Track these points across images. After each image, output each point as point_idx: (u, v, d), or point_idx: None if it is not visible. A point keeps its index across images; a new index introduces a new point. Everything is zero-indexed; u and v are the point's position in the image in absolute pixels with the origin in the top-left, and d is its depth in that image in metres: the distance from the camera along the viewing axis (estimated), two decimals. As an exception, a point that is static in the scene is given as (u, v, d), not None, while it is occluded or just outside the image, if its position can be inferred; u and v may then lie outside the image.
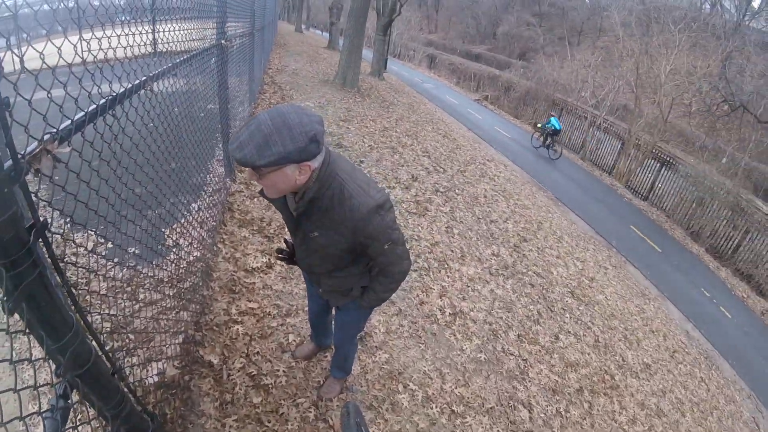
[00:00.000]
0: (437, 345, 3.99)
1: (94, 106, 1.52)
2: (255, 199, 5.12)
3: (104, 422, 1.43)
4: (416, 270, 4.97)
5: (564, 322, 5.79)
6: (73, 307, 1.15)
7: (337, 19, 23.71)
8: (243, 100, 6.49)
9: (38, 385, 1.04)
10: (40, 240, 1.02)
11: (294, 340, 3.25)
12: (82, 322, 1.18)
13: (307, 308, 3.13)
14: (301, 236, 1.84)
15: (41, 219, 1.00)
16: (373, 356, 3.48)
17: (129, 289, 2.36)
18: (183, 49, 2.65)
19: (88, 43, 1.40)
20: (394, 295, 3.13)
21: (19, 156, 1.00)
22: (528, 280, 6.29)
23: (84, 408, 1.37)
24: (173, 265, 2.47)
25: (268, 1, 11.21)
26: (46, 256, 1.07)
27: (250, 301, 3.49)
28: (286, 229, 2.12)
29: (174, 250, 2.60)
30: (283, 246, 2.19)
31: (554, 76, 29.12)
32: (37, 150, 1.09)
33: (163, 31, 2.33)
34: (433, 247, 5.68)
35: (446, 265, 5.41)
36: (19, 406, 0.97)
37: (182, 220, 2.78)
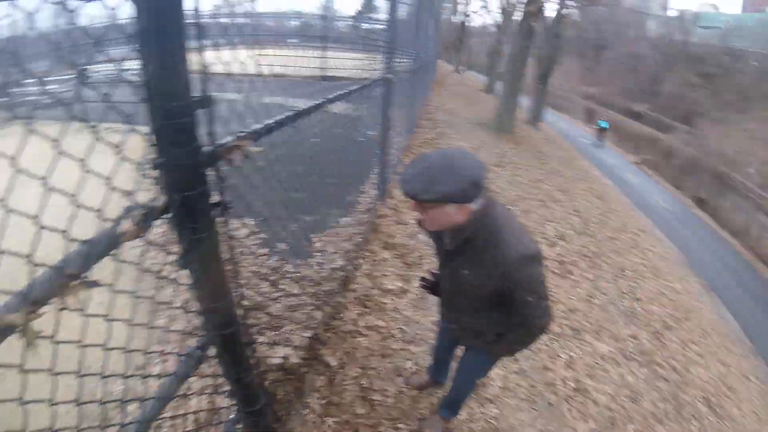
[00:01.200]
0: (550, 416, 3.67)
1: (283, 116, 1.83)
2: (400, 225, 5.36)
3: (227, 383, 1.63)
4: (548, 333, 4.67)
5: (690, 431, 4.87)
6: (231, 278, 1.37)
7: (495, 64, 23.88)
8: (401, 131, 6.80)
9: (186, 331, 1.26)
10: (220, 217, 1.25)
11: (411, 368, 3.29)
12: (235, 292, 1.39)
13: (431, 341, 3.15)
14: (449, 271, 1.92)
15: (226, 200, 1.24)
16: (482, 407, 3.34)
17: (273, 278, 2.67)
18: (352, 76, 2.90)
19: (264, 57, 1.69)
20: (519, 353, 3.01)
21: (218, 145, 1.26)
22: (663, 374, 5.44)
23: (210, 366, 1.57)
24: (316, 267, 2.71)
25: (430, 42, 11.74)
26: (221, 231, 1.29)
27: (378, 319, 3.64)
28: (436, 261, 2.21)
29: (319, 254, 2.86)
30: (427, 276, 2.28)
31: (719, 146, 25.57)
32: (232, 144, 1.35)
33: (336, 58, 2.64)
34: (570, 313, 5.27)
35: (580, 336, 4.98)
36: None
37: (331, 230, 3.04)
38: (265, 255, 1.99)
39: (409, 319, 3.81)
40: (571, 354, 4.57)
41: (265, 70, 1.65)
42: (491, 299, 1.85)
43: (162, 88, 1.03)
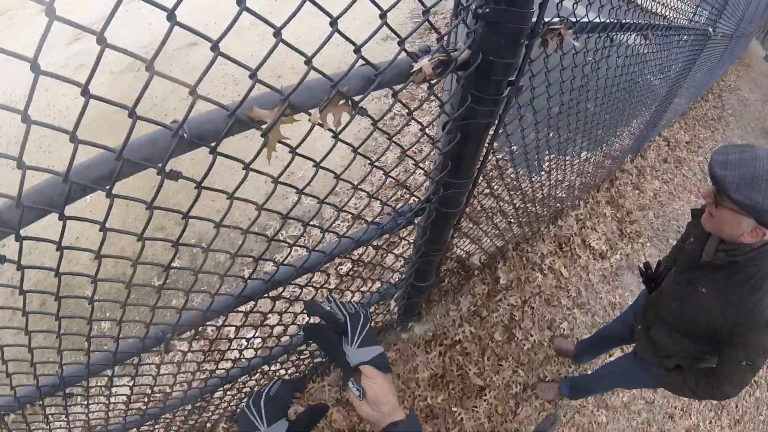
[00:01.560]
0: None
1: (608, 20, 1.54)
2: (637, 191, 4.70)
3: (417, 252, 1.65)
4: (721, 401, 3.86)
5: None
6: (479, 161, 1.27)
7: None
8: (684, 93, 5.66)
9: (409, 190, 1.23)
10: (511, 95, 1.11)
11: (563, 329, 3.09)
12: (475, 177, 1.31)
13: (599, 319, 2.91)
14: (685, 279, 1.64)
15: (520, 84, 1.08)
16: (597, 408, 3.05)
17: (492, 172, 2.56)
18: (661, 13, 2.46)
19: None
20: (661, 397, 2.85)
21: (544, 22, 1.07)
22: None
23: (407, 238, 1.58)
24: (536, 185, 2.52)
25: (758, 12, 8.89)
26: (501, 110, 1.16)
27: (564, 267, 3.40)
28: (670, 256, 1.88)
29: (544, 174, 2.63)
30: (649, 266, 1.99)
31: None
32: (557, 26, 1.15)
33: None
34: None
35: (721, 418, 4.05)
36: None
37: (567, 158, 2.74)
38: (496, 146, 1.86)
39: (592, 285, 3.50)
40: (701, 424, 3.79)
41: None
42: (703, 332, 1.59)
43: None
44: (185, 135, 0.65)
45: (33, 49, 0.48)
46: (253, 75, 0.65)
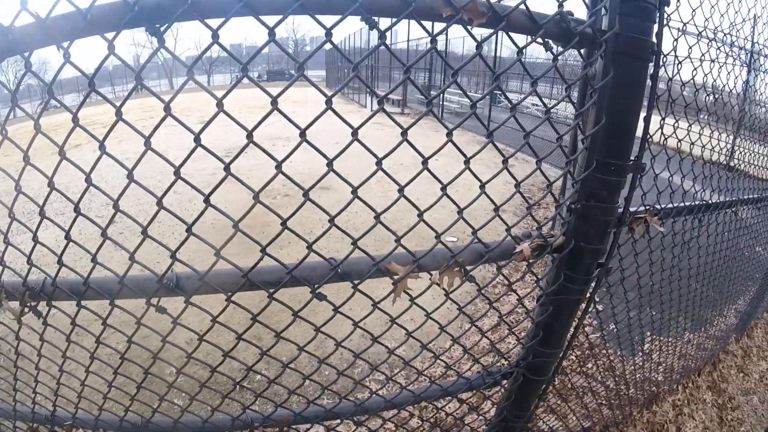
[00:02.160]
0: None
1: (695, 203, 1.65)
2: (742, 374, 4.21)
3: (499, 415, 1.63)
4: None
5: None
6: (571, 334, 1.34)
7: None
8: None
9: (501, 352, 1.30)
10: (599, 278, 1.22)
11: None
12: (564, 350, 1.36)
13: None
14: None
15: (609, 266, 1.20)
16: None
17: (587, 350, 2.50)
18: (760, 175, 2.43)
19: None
20: None
21: (629, 212, 1.21)
22: None
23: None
24: (633, 367, 2.41)
25: None
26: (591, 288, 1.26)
27: (656, 458, 3.02)
28: None
29: (642, 356, 2.52)
30: None
31: None
32: (641, 214, 1.28)
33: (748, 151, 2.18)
34: None
35: None
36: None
37: (669, 338, 2.63)
38: (592, 326, 1.88)
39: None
40: None
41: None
42: None
43: (605, 144, 1.05)
44: (339, 270, 0.88)
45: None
46: (398, 240, 0.86)
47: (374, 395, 1.26)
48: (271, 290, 0.88)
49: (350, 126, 0.77)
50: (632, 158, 1.12)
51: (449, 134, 0.82)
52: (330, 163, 0.77)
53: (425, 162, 0.82)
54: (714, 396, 3.80)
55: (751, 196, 2.35)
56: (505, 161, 0.90)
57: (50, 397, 1.31)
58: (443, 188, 0.85)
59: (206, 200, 0.77)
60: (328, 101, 0.75)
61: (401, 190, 0.83)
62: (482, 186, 0.89)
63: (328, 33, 0.73)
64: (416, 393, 1.30)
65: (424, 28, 0.81)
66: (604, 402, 2.51)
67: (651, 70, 1.06)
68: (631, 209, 1.25)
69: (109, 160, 0.74)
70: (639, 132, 1.14)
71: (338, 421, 1.29)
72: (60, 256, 0.94)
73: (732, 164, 2.38)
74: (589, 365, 2.05)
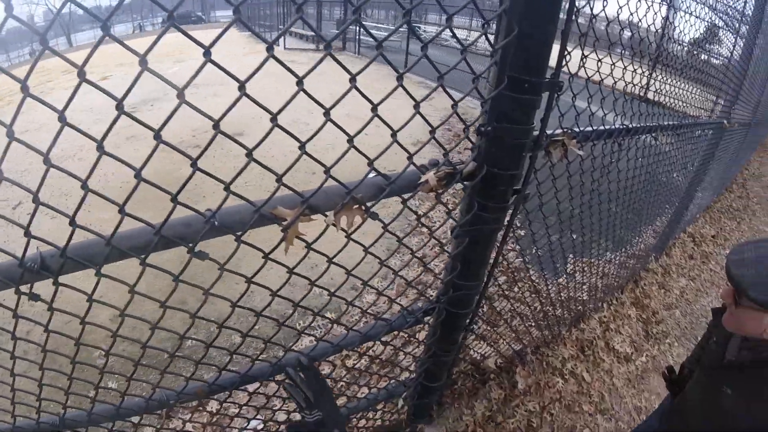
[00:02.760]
0: None
1: (612, 127, 1.63)
2: (663, 290, 4.58)
3: (427, 351, 1.64)
4: None
5: None
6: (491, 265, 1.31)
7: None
8: (707, 187, 5.67)
9: (421, 291, 1.26)
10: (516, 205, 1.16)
11: (587, 436, 2.87)
12: (486, 280, 1.33)
13: (623, 426, 2.72)
14: (710, 381, 1.55)
15: (526, 192, 1.15)
16: None
17: (513, 275, 2.56)
18: (675, 107, 2.54)
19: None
20: None
21: (546, 135, 1.15)
22: None
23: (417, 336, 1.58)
24: (558, 288, 2.49)
25: None
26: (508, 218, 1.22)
27: (587, 372, 3.24)
28: (694, 357, 1.81)
29: (566, 277, 2.61)
30: (673, 370, 1.91)
31: None
32: (559, 137, 1.23)
33: (662, 82, 2.25)
34: None
35: None
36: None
37: (590, 259, 2.73)
38: (515, 251, 1.89)
39: (616, 389, 3.29)
40: None
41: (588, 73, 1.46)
42: None
43: (518, 58, 0.96)
44: (215, 223, 0.75)
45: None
46: (279, 179, 0.75)
47: (290, 351, 1.18)
48: (142, 256, 0.74)
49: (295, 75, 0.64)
50: (548, 76, 1.04)
51: (327, 46, 0.70)
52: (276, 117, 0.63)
53: (300, 82, 0.69)
54: (638, 311, 4.11)
55: (670, 123, 2.41)
56: (400, 77, 0.78)
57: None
58: (326, 113, 0.72)
59: (100, 147, 0.61)
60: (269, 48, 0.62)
61: (327, 113, 0.71)
62: (374, 108, 0.77)
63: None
64: (335, 343, 1.23)
65: None
66: (532, 324, 2.61)
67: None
68: (548, 132, 1.19)
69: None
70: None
71: (257, 384, 1.22)
72: None
73: (649, 97, 2.41)
74: (515, 290, 2.09)
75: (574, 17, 1.09)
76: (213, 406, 2.28)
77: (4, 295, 0.73)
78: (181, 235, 0.76)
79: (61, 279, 0.74)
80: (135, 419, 1.20)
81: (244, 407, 1.33)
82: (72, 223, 0.68)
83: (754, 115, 6.41)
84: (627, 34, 1.83)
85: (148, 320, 0.91)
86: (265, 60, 0.66)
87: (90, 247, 0.74)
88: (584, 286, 2.99)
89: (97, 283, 0.77)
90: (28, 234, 0.67)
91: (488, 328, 2.06)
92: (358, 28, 15.86)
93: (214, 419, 1.39)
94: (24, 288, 0.74)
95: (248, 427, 1.67)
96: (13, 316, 0.81)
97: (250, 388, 1.26)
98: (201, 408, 1.31)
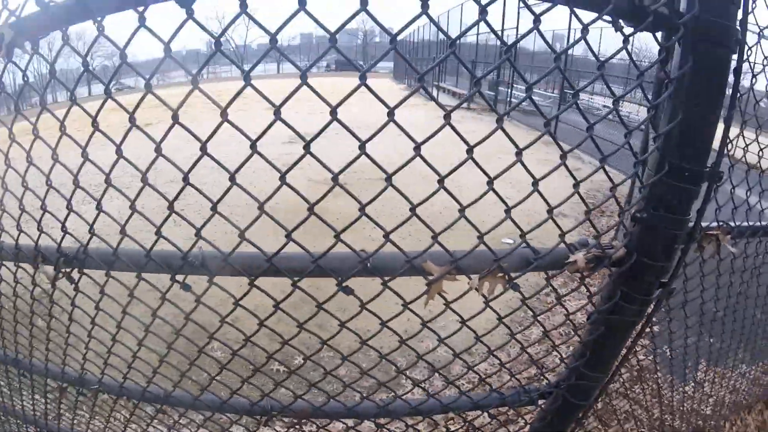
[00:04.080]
0: None
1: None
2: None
3: (539, 422, 1.52)
4: None
5: None
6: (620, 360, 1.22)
7: None
8: None
9: (541, 370, 1.19)
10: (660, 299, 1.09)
11: None
12: (611, 374, 1.24)
13: None
14: None
15: (672, 287, 1.07)
16: None
17: (636, 372, 2.34)
18: None
19: None
20: None
21: (701, 227, 1.07)
22: None
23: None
24: (683, 395, 2.23)
25: None
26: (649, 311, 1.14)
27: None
28: None
29: (694, 385, 2.33)
30: None
31: None
32: (714, 231, 1.14)
33: None
34: None
35: None
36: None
37: (719, 368, 2.42)
38: (645, 347, 1.74)
39: None
40: None
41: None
42: None
43: (680, 145, 0.92)
44: (368, 264, 0.81)
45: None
46: (435, 237, 0.78)
47: (398, 399, 1.18)
48: (296, 278, 0.82)
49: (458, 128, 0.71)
50: (708, 165, 0.99)
51: (499, 120, 0.74)
52: (363, 146, 0.71)
53: (470, 151, 0.73)
54: (767, 440, 3.51)
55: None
56: (563, 156, 0.80)
57: (80, 360, 1.33)
58: (490, 182, 0.75)
59: (231, 178, 0.72)
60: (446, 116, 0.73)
61: (441, 180, 0.75)
62: (535, 183, 0.79)
63: (393, 39, 0.69)
64: (444, 402, 1.21)
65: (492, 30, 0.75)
66: (645, 430, 2.34)
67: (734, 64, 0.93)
68: (703, 224, 1.11)
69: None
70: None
71: (358, 420, 1.24)
72: (91, 226, 0.93)
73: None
74: (636, 389, 1.90)
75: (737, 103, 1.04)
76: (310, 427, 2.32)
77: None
78: (335, 269, 0.83)
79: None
80: (236, 417, 1.27)
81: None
82: (241, 236, 0.78)
83: None
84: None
85: (281, 334, 0.99)
86: (441, 127, 0.72)
87: (251, 259, 0.84)
88: (710, 399, 2.63)
89: (248, 291, 0.86)
90: (198, 234, 0.80)
91: (599, 426, 1.88)
92: (509, 91, 16.05)
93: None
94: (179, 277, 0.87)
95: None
96: (160, 298, 0.94)
97: (350, 422, 1.28)
98: (298, 425, 1.35)
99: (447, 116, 0.74)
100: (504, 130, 0.78)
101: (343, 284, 0.82)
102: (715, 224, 1.17)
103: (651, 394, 1.93)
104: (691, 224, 1.05)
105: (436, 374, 1.18)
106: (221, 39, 0.69)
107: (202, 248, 0.89)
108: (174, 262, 0.87)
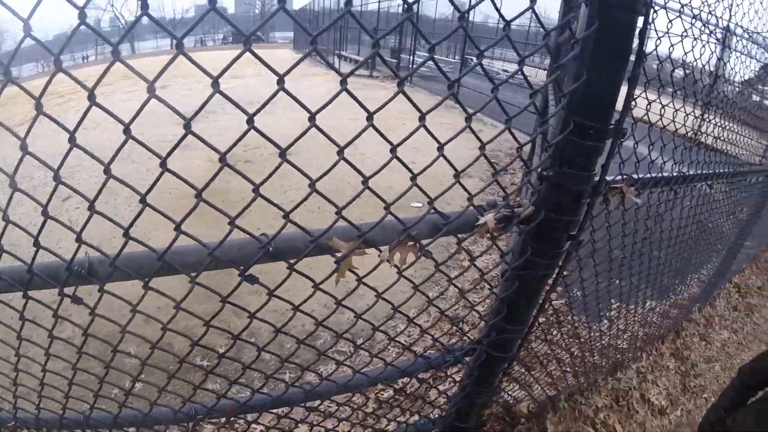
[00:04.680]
0: None
1: (670, 175, 1.57)
2: (704, 343, 4.35)
3: (461, 391, 1.58)
4: None
5: None
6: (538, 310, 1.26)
7: None
8: (756, 236, 5.40)
9: (462, 329, 1.22)
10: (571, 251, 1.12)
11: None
12: (530, 325, 1.29)
13: None
14: None
15: (581, 239, 1.10)
16: None
17: (552, 317, 2.48)
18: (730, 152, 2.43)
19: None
20: None
21: (606, 181, 1.11)
22: None
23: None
24: (598, 334, 2.39)
25: None
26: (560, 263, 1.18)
27: (619, 424, 3.08)
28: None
29: (607, 323, 2.51)
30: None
31: None
32: (619, 184, 1.19)
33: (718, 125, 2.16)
34: None
35: None
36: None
37: (634, 307, 2.63)
38: (557, 292, 1.83)
39: (648, 442, 3.11)
40: None
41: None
42: None
43: (585, 104, 0.93)
44: (270, 249, 0.75)
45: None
46: (338, 212, 0.74)
47: (325, 380, 1.16)
48: (193, 274, 0.75)
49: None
50: (613, 122, 1.02)
51: (400, 83, 0.70)
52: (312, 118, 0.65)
53: (370, 118, 0.69)
54: (677, 363, 3.90)
55: (725, 170, 2.32)
56: (468, 118, 0.78)
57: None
58: (393, 149, 0.72)
59: (162, 164, 0.63)
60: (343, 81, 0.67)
61: (340, 151, 0.70)
62: (441, 147, 0.76)
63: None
64: (371, 375, 1.21)
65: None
66: (569, 369, 2.51)
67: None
68: (607, 179, 1.15)
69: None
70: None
71: (288, 408, 1.21)
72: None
73: (701, 139, 2.34)
74: (554, 332, 2.01)
75: (642, 63, 1.07)
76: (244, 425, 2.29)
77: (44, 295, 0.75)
78: (234, 258, 0.77)
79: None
80: (162, 429, 1.21)
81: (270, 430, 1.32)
82: (126, 234, 0.69)
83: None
84: (680, 73, 1.78)
85: (189, 336, 0.92)
86: (338, 93, 0.67)
87: (142, 259, 0.76)
88: (625, 334, 2.86)
89: (143, 296, 0.77)
90: (79, 239, 0.69)
91: (524, 371, 1.99)
92: (411, 58, 16.01)
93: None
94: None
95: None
96: (53, 316, 0.84)
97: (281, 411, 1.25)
98: (227, 426, 1.30)
99: (343, 81, 0.68)
100: (406, 95, 0.74)
101: (246, 273, 0.76)
102: (619, 178, 1.22)
103: (568, 336, 2.06)
104: (596, 179, 1.09)
105: (362, 349, 1.16)
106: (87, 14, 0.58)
107: (88, 254, 0.78)
108: (60, 274, 0.77)
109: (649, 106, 1.44)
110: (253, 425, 1.38)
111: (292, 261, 0.78)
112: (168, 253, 0.74)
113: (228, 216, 0.70)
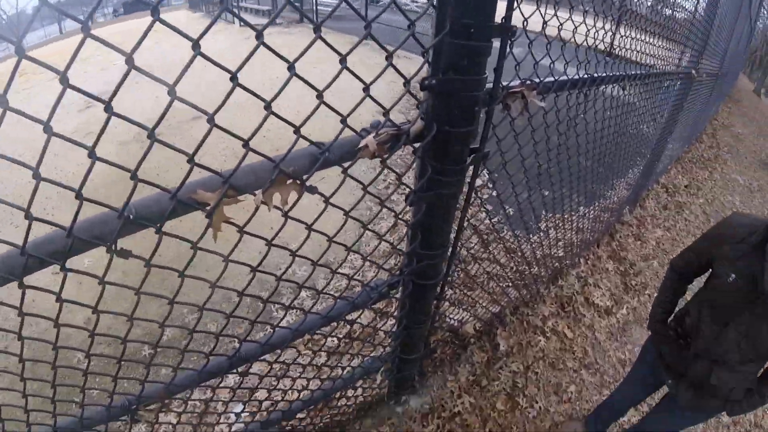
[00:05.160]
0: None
1: (576, 77, 1.54)
2: (639, 242, 4.62)
3: (399, 324, 1.58)
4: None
5: None
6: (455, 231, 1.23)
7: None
8: (678, 138, 5.74)
9: (382, 266, 1.18)
10: (475, 164, 1.08)
11: (571, 393, 2.89)
12: (452, 246, 1.25)
13: (608, 378, 2.71)
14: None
15: (485, 150, 1.06)
16: None
17: (486, 236, 2.51)
18: (640, 61, 2.48)
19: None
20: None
21: (502, 86, 1.05)
22: None
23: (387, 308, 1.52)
24: (534, 246, 2.45)
25: (739, 49, 9.21)
26: (468, 180, 1.13)
27: (568, 328, 3.26)
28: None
29: (541, 234, 2.57)
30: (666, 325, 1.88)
31: None
32: (518, 89, 1.13)
33: (627, 37, 2.17)
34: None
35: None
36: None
37: (564, 215, 2.70)
38: (487, 211, 1.82)
39: (599, 343, 3.33)
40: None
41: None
42: None
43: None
44: (131, 216, 0.66)
45: (46, 112, 0.53)
46: (190, 159, 0.65)
47: (244, 342, 1.09)
48: (61, 261, 0.64)
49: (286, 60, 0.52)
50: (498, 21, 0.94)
51: (317, 29, 0.61)
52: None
53: (291, 68, 0.58)
54: (616, 264, 4.14)
55: (638, 72, 2.33)
56: (389, 56, 0.69)
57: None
58: (319, 95, 0.63)
59: (92, 154, 0.50)
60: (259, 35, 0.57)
61: (268, 106, 0.59)
62: (366, 88, 0.68)
63: None
64: (293, 328, 1.15)
65: None
66: (509, 285, 2.58)
67: None
68: (504, 83, 1.10)
69: None
70: None
71: (219, 379, 1.15)
72: None
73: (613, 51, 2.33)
74: (488, 252, 2.04)
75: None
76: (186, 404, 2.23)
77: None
78: (98, 236, 0.66)
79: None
80: (103, 428, 1.13)
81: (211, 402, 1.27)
82: (28, 216, 0.59)
83: (721, 67, 6.42)
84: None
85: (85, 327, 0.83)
86: (256, 48, 0.62)
87: (8, 258, 0.65)
88: (560, 243, 2.96)
89: (23, 297, 0.68)
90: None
91: (463, 293, 2.01)
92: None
93: (182, 418, 1.32)
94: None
95: (237, 421, 1.61)
96: None
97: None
98: (166, 409, 1.23)
99: (259, 35, 0.61)
100: (324, 39, 0.67)
101: (115, 248, 0.66)
102: (518, 82, 1.16)
103: (503, 252, 2.09)
104: (490, 85, 1.03)
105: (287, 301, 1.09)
106: None
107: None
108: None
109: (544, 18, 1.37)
110: (191, 402, 1.31)
111: (158, 225, 0.68)
112: (33, 245, 0.63)
113: (78, 193, 0.60)
